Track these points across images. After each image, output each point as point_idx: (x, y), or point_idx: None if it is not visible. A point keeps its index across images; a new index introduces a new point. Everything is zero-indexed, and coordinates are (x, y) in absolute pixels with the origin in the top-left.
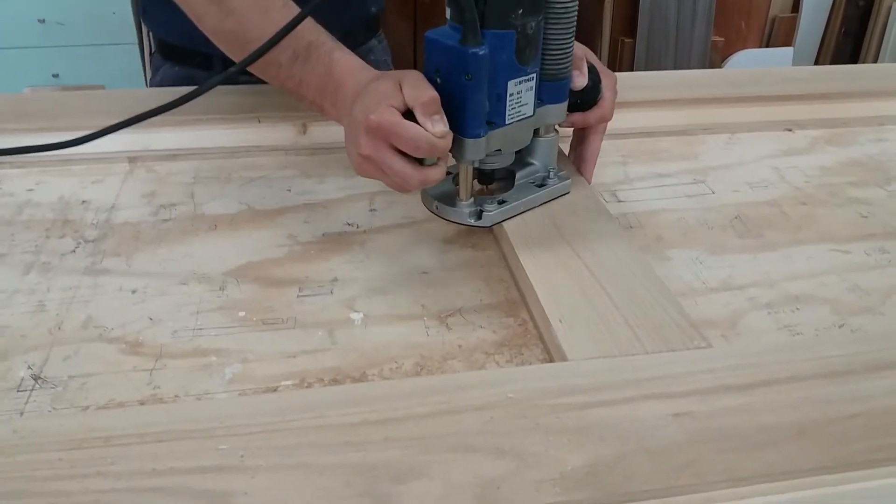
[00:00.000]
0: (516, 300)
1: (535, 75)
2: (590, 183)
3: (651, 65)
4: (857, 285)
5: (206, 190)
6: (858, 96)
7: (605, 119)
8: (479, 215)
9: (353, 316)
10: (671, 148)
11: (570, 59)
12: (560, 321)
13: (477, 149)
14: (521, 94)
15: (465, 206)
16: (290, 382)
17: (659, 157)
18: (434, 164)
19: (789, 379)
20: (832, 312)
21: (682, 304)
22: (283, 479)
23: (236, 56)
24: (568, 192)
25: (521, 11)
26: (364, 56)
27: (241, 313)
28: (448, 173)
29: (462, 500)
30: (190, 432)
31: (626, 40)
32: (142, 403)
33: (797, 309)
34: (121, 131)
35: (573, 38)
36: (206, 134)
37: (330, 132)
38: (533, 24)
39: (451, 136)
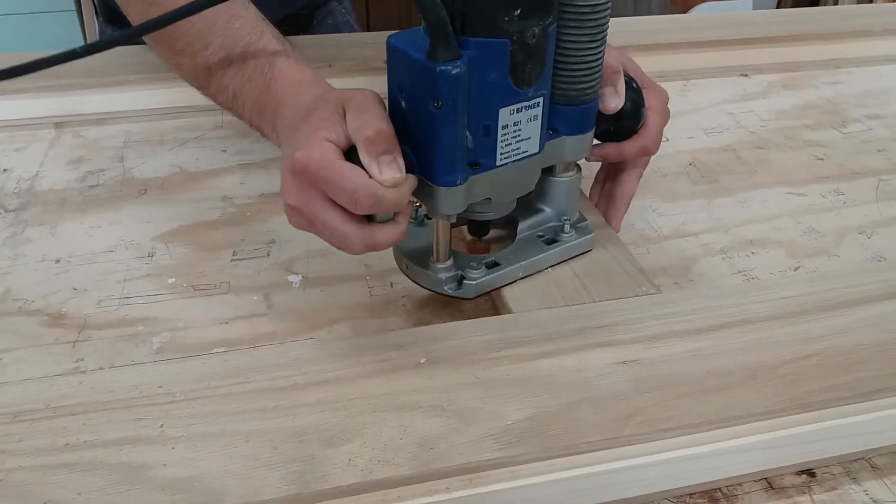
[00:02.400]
0: None
1: (541, 100)
2: (616, 231)
3: None
4: (813, 227)
5: (136, 153)
6: (814, 39)
7: (649, 152)
8: (459, 282)
9: (292, 278)
10: None
11: (597, 75)
12: None
13: (453, 200)
14: (519, 125)
15: (442, 270)
16: (223, 350)
17: None
18: (389, 221)
19: (741, 322)
20: (788, 255)
21: (634, 253)
22: (204, 448)
23: (163, 49)
24: (589, 251)
25: (517, 13)
26: (323, 19)
27: (171, 280)
28: (428, 218)
29: (396, 462)
30: (106, 403)
31: None
32: (63, 377)
33: (752, 253)
34: (46, 96)
35: (603, 48)
36: (136, 95)
37: None
38: (536, 30)
39: (410, 183)
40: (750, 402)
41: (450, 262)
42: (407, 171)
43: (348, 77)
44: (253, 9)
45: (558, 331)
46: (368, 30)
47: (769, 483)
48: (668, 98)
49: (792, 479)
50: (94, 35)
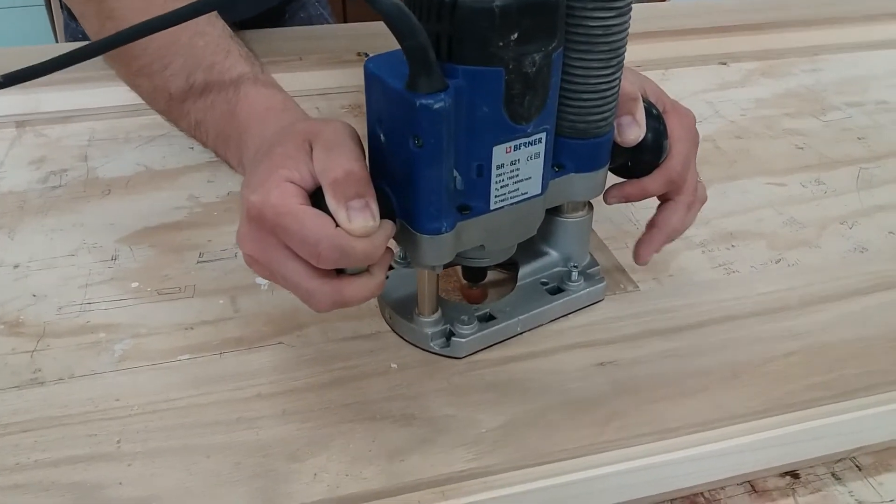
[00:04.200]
0: None
1: (543, 136)
2: (640, 264)
3: None
4: (794, 218)
5: (100, 152)
6: (792, 26)
7: (675, 183)
8: (448, 337)
9: (260, 280)
10: None
11: (611, 106)
12: None
13: (438, 250)
14: (517, 164)
15: (428, 325)
16: (187, 357)
17: None
18: (362, 274)
19: (721, 319)
20: (768, 247)
21: (612, 248)
22: (163, 465)
23: (120, 67)
24: (601, 300)
25: (514, 37)
26: (295, 13)
27: (135, 284)
28: None
29: (364, 475)
30: (60, 419)
31: None
32: (20, 389)
33: (733, 246)
34: (7, 93)
35: (619, 74)
36: (101, 92)
37: None
38: (537, 56)
39: (385, 231)
40: (731, 404)
41: (437, 314)
42: (386, 216)
43: (319, 70)
44: (220, 25)
45: (533, 331)
46: (345, 21)
47: (752, 486)
48: (694, 120)
49: (776, 481)
50: (62, 30)
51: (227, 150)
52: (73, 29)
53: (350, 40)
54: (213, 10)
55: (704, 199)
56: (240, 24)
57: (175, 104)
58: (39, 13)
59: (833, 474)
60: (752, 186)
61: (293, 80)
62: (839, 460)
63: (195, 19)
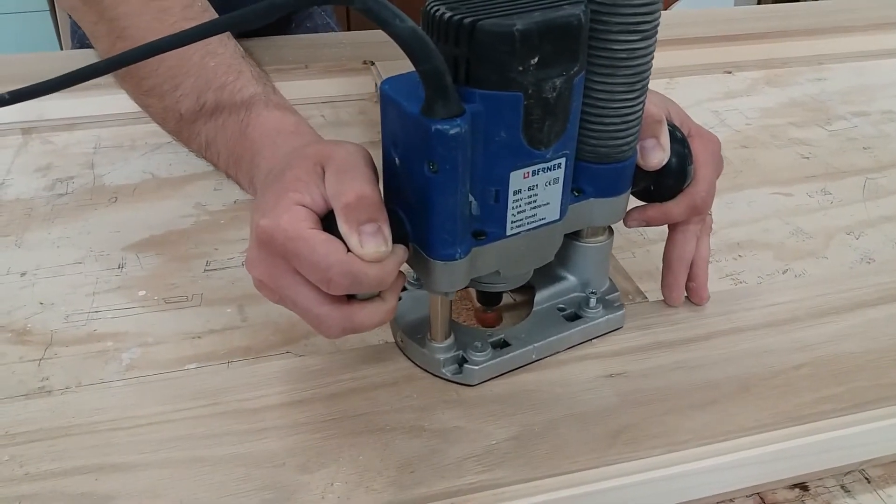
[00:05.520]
0: None
1: (563, 161)
2: (675, 304)
3: None
4: (801, 228)
5: (107, 160)
6: (797, 35)
7: (699, 211)
8: (461, 363)
9: None
10: None
11: (634, 130)
12: None
13: (451, 276)
14: (535, 190)
15: (440, 350)
16: (195, 366)
17: None
18: (373, 299)
19: (730, 331)
20: (775, 258)
21: (620, 258)
22: (172, 476)
23: (130, 87)
24: (620, 328)
25: (534, 61)
26: (302, 22)
27: (142, 292)
28: None
29: (374, 487)
30: (68, 429)
31: None
32: (27, 398)
33: (739, 256)
34: None
35: (643, 98)
36: (107, 99)
37: None
38: (558, 81)
39: (398, 256)
40: (740, 417)
41: (450, 340)
42: (399, 240)
43: (324, 78)
44: (232, 44)
45: None
46: (349, 29)
47: (761, 498)
48: (719, 146)
49: (785, 493)
50: (67, 36)
51: (239, 171)
52: (80, 35)
53: (356, 48)
54: (224, 32)
55: (710, 229)
56: (245, 33)
57: (185, 125)
58: (43, 19)
59: (842, 487)
60: (758, 196)
61: (299, 89)
62: (848, 473)
63: (206, 41)
